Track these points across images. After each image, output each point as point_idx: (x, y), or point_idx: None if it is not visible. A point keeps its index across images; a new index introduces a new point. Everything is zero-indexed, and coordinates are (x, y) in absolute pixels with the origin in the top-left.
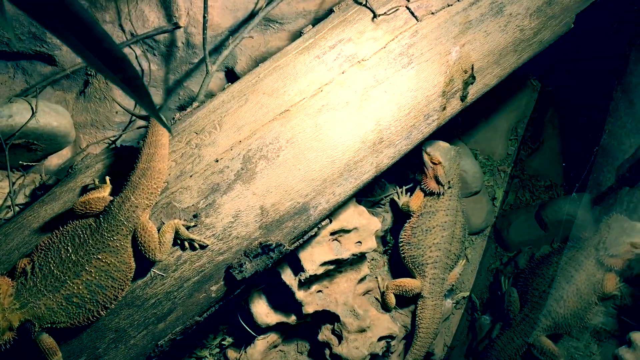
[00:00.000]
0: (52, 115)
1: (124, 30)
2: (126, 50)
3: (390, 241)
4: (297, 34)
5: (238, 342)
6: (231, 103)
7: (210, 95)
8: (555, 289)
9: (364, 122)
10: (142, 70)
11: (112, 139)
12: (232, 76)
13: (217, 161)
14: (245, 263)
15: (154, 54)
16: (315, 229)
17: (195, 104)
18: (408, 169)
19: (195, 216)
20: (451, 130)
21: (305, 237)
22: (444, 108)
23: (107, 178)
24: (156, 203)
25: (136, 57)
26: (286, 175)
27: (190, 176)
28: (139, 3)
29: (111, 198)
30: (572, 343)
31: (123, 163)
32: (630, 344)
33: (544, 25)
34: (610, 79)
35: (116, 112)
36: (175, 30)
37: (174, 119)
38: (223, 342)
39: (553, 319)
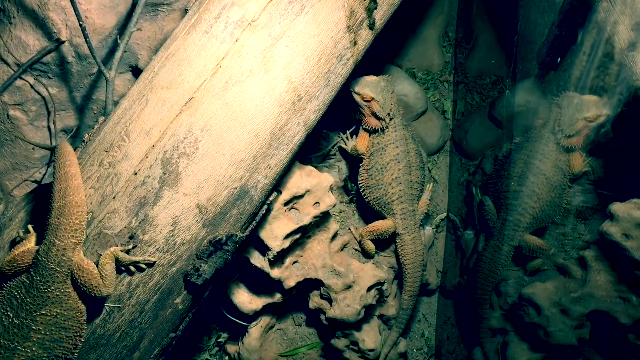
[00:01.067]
0: None
1: (8, 64)
2: (18, 82)
3: (352, 188)
4: (185, 9)
5: (234, 335)
6: (133, 108)
7: None
8: (525, 185)
9: (275, 85)
10: (44, 98)
11: (35, 179)
12: (139, 73)
13: (135, 174)
14: (201, 266)
15: (49, 77)
16: (265, 206)
17: (101, 119)
18: (349, 109)
19: (131, 237)
20: (382, 57)
21: (257, 218)
22: (355, 43)
23: (30, 226)
24: (86, 237)
25: (32, 86)
26: (212, 165)
27: (114, 198)
28: (13, 31)
29: (37, 247)
30: (559, 230)
31: (46, 203)
32: (612, 216)
33: None
34: None
35: (33, 148)
36: (60, 46)
37: (84, 141)
38: (219, 340)
39: (531, 215)
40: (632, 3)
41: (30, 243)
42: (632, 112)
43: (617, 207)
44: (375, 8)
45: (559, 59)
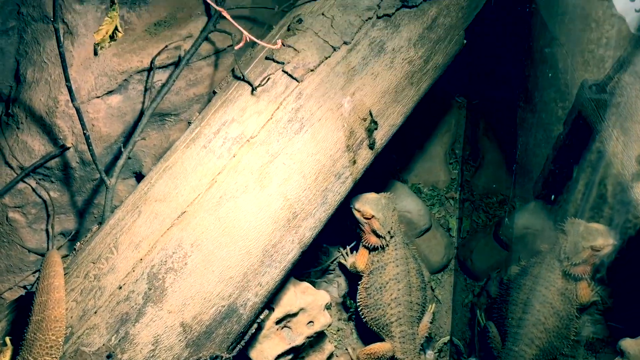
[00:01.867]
0: None
1: (11, 167)
2: (20, 185)
3: (351, 305)
4: (189, 121)
5: None
6: (125, 219)
7: None
8: (530, 314)
9: (271, 201)
10: (44, 201)
11: (28, 283)
12: (142, 180)
13: (120, 288)
14: None
15: (52, 181)
16: (255, 325)
17: (95, 228)
18: (350, 224)
19: (109, 357)
20: (387, 171)
21: (246, 337)
22: (355, 162)
23: (8, 339)
24: (63, 354)
25: (33, 190)
26: (200, 281)
27: (95, 312)
28: (19, 135)
29: None
30: None
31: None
32: (622, 353)
33: (432, 51)
34: (516, 86)
35: (29, 251)
36: (64, 152)
37: (75, 249)
38: None
39: (537, 346)
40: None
41: (6, 358)
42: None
43: (628, 344)
44: (376, 129)
45: (553, 196)
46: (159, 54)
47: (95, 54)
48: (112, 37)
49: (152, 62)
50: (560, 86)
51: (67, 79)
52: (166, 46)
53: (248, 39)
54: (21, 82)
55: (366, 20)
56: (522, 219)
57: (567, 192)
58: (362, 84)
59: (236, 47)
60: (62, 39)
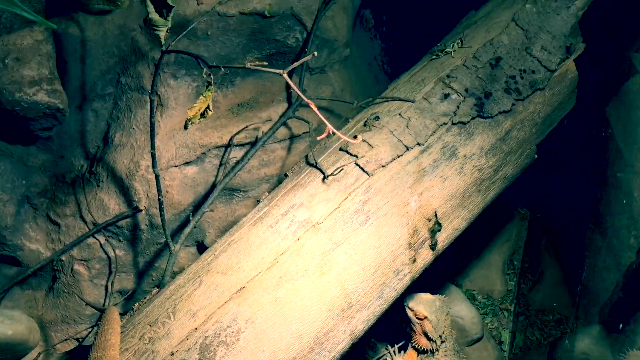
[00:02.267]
0: (6, 323)
1: (85, 222)
2: (90, 239)
3: None
4: (257, 200)
5: None
6: (186, 287)
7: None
8: None
9: (328, 289)
10: (109, 258)
11: (81, 336)
12: (203, 249)
13: (172, 355)
14: None
15: (119, 240)
16: None
17: (154, 290)
18: (401, 322)
19: None
20: (442, 273)
21: None
22: (414, 260)
23: None
24: None
25: (101, 246)
26: None
27: None
28: (98, 193)
29: None
30: None
31: None
32: None
33: (503, 162)
34: (586, 207)
35: (86, 304)
36: (136, 214)
37: (133, 310)
38: None
39: None
40: None
41: None
42: None
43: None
44: (439, 230)
45: (621, 325)
46: (238, 132)
47: (186, 128)
48: (202, 115)
49: (230, 140)
50: (634, 214)
51: (153, 147)
52: (246, 126)
53: (331, 132)
54: (108, 143)
55: (441, 125)
56: (582, 343)
57: (636, 322)
58: (430, 185)
59: (318, 138)
60: (155, 110)
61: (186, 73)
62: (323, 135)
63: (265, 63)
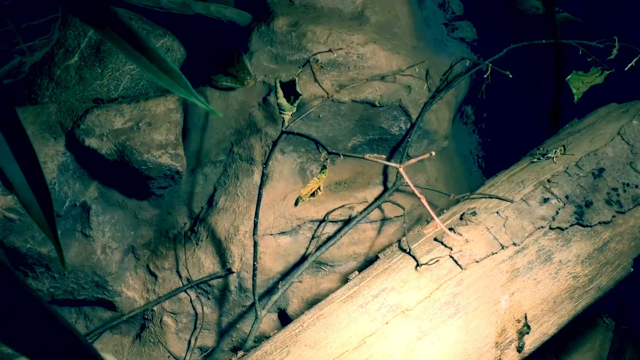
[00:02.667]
0: None
1: (180, 276)
2: (182, 294)
3: None
4: (347, 278)
5: None
6: (273, 355)
7: (262, 338)
8: None
9: None
10: (196, 314)
11: None
12: (284, 317)
13: None
14: None
15: (208, 298)
16: None
17: (240, 353)
18: None
19: None
20: None
21: None
22: None
23: None
24: None
25: (191, 301)
26: None
27: None
28: (196, 251)
29: None
30: None
31: None
32: None
33: (599, 272)
34: None
35: (168, 357)
36: (228, 275)
37: None
38: None
39: None
40: None
41: None
42: None
43: None
44: (527, 333)
45: None
46: (333, 210)
47: (296, 204)
48: (313, 194)
49: (326, 216)
50: None
51: (257, 215)
52: (343, 205)
53: (438, 226)
54: (212, 206)
55: (539, 228)
56: None
57: None
58: (522, 287)
59: (425, 231)
60: (263, 181)
61: (293, 149)
62: (430, 229)
63: (383, 156)
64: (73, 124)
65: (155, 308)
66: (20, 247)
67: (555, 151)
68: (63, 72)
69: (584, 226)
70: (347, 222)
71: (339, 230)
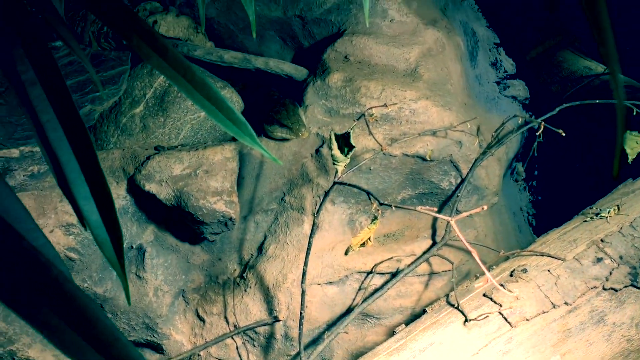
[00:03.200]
0: None
1: (227, 322)
2: (228, 340)
3: None
4: (393, 331)
5: None
6: None
7: None
8: None
9: None
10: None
11: None
12: None
13: None
14: None
15: (254, 345)
16: None
17: None
18: None
19: None
20: None
21: None
22: None
23: None
24: None
25: (237, 348)
26: None
27: None
28: (244, 297)
29: None
30: None
31: None
32: None
33: None
34: None
35: None
36: (274, 323)
37: None
38: None
39: None
40: None
41: None
42: None
43: None
44: None
45: None
46: (381, 262)
47: (346, 254)
48: (363, 244)
49: (373, 267)
50: None
51: (306, 264)
52: (390, 257)
53: (488, 281)
54: (261, 253)
55: (591, 288)
56: None
57: None
58: (574, 347)
59: (476, 285)
60: (314, 230)
61: (343, 201)
62: (479, 284)
63: (435, 208)
64: (135, 170)
65: (201, 353)
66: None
67: (609, 211)
68: (128, 121)
69: (638, 288)
70: (394, 275)
71: (386, 283)
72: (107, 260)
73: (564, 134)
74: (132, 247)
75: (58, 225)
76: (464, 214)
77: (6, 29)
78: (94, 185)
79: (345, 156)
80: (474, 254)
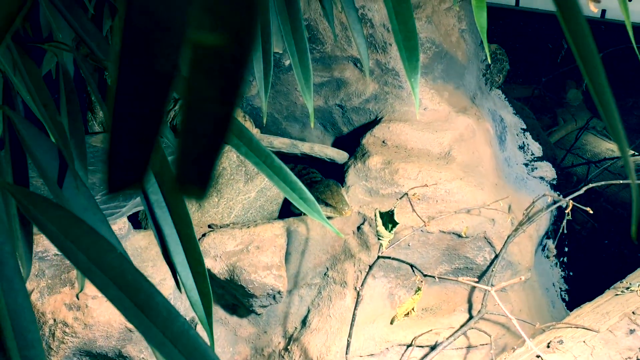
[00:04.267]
0: None
1: None
2: None
3: None
4: None
5: None
6: None
7: None
8: None
9: None
10: None
11: None
12: None
13: None
14: None
15: None
16: None
17: None
18: None
19: None
20: None
21: None
22: None
23: None
24: None
25: None
26: None
27: None
28: None
29: None
30: None
31: None
32: None
33: None
34: None
35: None
36: None
37: None
38: None
39: None
40: None
41: None
42: None
43: None
44: None
45: None
46: (420, 335)
47: (391, 323)
48: (407, 314)
49: (413, 340)
50: None
51: (350, 335)
52: (429, 330)
53: (523, 349)
54: (305, 326)
55: (626, 358)
56: None
57: None
58: None
59: (527, 354)
60: (358, 302)
61: (383, 275)
62: (516, 352)
63: (475, 279)
64: None
65: None
66: (134, 357)
67: (638, 285)
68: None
69: None
70: (433, 348)
71: (426, 356)
72: (198, 318)
73: (591, 212)
74: (185, 319)
75: None
76: (503, 284)
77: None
78: (189, 254)
79: (390, 232)
80: (514, 321)
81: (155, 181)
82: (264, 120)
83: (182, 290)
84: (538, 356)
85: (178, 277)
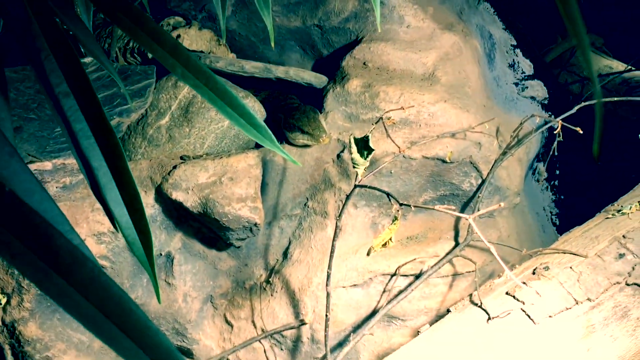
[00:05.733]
0: None
1: (255, 326)
2: (256, 344)
3: None
4: (418, 331)
5: None
6: None
7: None
8: None
9: None
10: None
11: None
12: None
13: None
14: None
15: (281, 348)
16: None
17: None
18: None
19: None
20: None
21: None
22: None
23: None
24: None
25: (264, 351)
26: None
27: None
28: (271, 302)
29: None
30: None
31: None
32: None
33: None
34: None
35: None
36: (301, 326)
37: None
38: None
39: None
40: None
41: None
42: None
43: None
44: None
45: None
46: (405, 264)
47: (368, 254)
48: (384, 245)
49: (397, 269)
50: None
51: (330, 267)
52: (414, 259)
53: (507, 276)
54: (286, 258)
55: (614, 283)
56: None
57: None
58: (598, 344)
59: (495, 281)
60: (336, 234)
61: (365, 204)
62: (502, 283)
63: (453, 207)
64: (162, 179)
65: (230, 357)
66: None
67: (631, 207)
68: (155, 132)
69: None
70: (418, 276)
71: (410, 285)
72: (137, 258)
73: (581, 132)
74: (161, 254)
75: (90, 234)
76: (482, 211)
77: (40, 43)
78: (123, 189)
79: (365, 159)
80: (493, 250)
81: (78, 107)
82: (224, 39)
83: (118, 228)
84: (523, 282)
85: (112, 215)
